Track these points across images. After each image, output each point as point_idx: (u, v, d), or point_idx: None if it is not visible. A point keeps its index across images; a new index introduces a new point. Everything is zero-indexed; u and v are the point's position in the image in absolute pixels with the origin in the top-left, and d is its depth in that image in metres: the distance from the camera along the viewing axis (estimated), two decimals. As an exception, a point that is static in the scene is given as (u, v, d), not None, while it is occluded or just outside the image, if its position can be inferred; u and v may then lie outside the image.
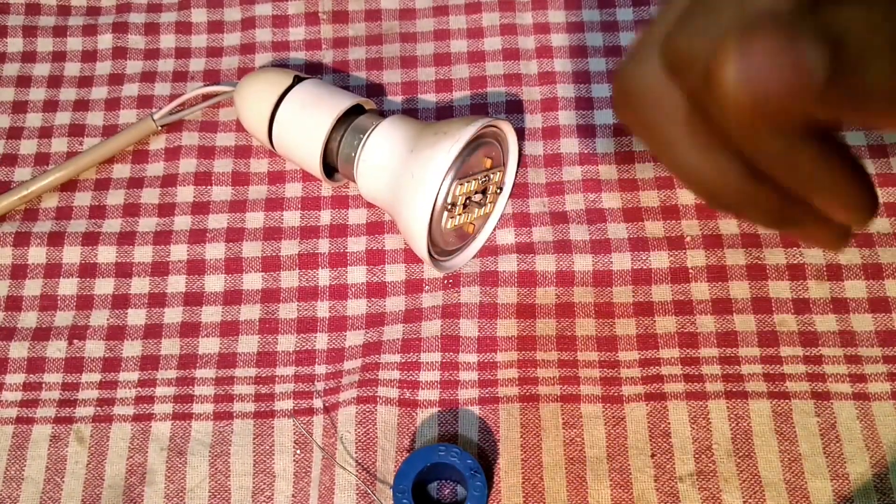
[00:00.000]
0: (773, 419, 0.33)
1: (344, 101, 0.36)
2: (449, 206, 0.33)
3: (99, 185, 0.40)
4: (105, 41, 0.43)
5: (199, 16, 0.44)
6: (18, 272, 0.38)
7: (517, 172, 0.38)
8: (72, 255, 0.38)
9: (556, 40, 0.42)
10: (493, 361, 0.34)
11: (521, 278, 0.36)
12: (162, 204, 0.39)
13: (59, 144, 0.41)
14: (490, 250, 0.37)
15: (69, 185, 0.40)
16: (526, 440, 0.33)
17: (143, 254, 0.38)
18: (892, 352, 0.34)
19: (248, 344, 0.36)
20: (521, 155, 0.39)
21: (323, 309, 0.36)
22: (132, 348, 0.36)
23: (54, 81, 0.43)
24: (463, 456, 0.31)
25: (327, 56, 0.43)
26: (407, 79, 0.42)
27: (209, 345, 0.36)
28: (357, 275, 0.37)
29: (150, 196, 0.39)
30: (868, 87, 0.18)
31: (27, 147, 0.41)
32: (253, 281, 0.37)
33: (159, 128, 0.40)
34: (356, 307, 0.36)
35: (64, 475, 0.33)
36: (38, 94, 0.42)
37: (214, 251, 0.38)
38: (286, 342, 0.36)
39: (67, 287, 0.37)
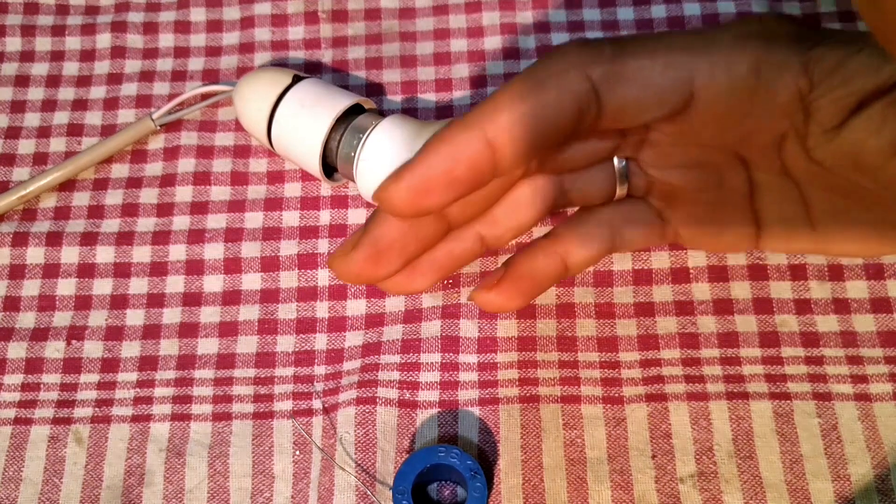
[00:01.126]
0: (775, 420, 0.32)
1: (343, 101, 0.36)
2: (449, 206, 0.33)
3: (97, 185, 0.39)
4: (104, 40, 0.43)
5: (197, 15, 0.44)
6: (16, 272, 0.37)
7: (517, 172, 0.38)
8: (70, 255, 0.38)
9: (557, 40, 0.42)
10: (493, 362, 0.34)
11: (522, 278, 0.36)
12: (160, 204, 0.39)
13: (57, 144, 0.41)
14: (490, 250, 0.37)
15: (67, 185, 0.39)
16: (526, 441, 0.33)
17: (141, 254, 0.38)
18: (894, 352, 0.33)
19: (246, 344, 0.36)
20: (521, 155, 0.38)
21: (322, 309, 0.36)
22: (130, 349, 0.36)
23: (52, 81, 0.42)
24: (463, 457, 0.31)
25: (327, 55, 0.42)
26: (407, 78, 0.41)
27: (208, 345, 0.36)
28: (356, 275, 0.37)
29: (148, 196, 0.39)
30: None
31: (25, 147, 0.41)
32: (252, 281, 0.37)
33: (158, 127, 0.40)
34: (355, 307, 0.36)
35: (62, 476, 0.33)
36: (36, 93, 0.42)
37: (213, 251, 0.38)
38: (285, 343, 0.36)
39: (65, 287, 0.37)
